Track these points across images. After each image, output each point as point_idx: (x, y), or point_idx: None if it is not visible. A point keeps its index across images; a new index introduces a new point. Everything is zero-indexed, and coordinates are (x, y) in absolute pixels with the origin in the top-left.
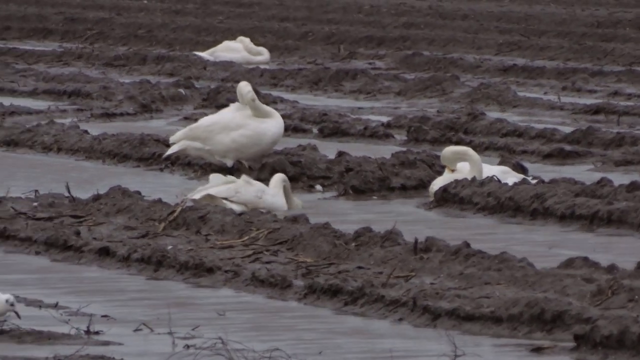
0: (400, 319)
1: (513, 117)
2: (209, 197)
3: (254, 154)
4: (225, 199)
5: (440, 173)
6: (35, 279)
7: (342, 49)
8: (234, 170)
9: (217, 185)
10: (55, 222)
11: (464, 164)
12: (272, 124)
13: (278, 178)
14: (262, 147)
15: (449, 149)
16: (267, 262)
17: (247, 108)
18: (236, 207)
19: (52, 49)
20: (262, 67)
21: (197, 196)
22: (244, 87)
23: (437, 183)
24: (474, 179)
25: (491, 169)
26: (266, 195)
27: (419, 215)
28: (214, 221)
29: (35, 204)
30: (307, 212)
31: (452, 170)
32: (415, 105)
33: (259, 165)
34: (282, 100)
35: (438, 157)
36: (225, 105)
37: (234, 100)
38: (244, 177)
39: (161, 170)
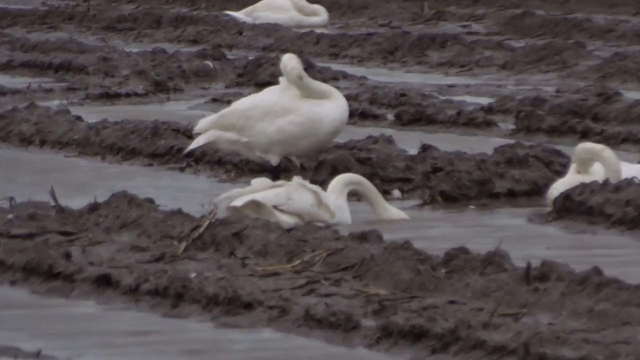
0: None
1: None
2: (254, 204)
3: (307, 147)
4: (275, 207)
5: (560, 174)
6: (10, 318)
7: (426, 7)
8: (280, 170)
9: (262, 191)
10: (37, 240)
11: (597, 165)
12: (332, 107)
13: (341, 180)
14: (319, 139)
15: (582, 147)
16: (326, 295)
17: (294, 87)
18: (288, 219)
19: (33, 7)
20: (317, 31)
21: (238, 203)
22: (288, 62)
23: (558, 187)
24: (606, 181)
25: (630, 169)
26: (326, 203)
27: (533, 231)
28: (254, 239)
29: (10, 216)
30: (381, 227)
31: (579, 172)
32: (525, 82)
33: (315, 164)
34: (345, 76)
35: (557, 152)
36: (269, 83)
37: (279, 75)
38: (296, 179)
39: (182, 170)
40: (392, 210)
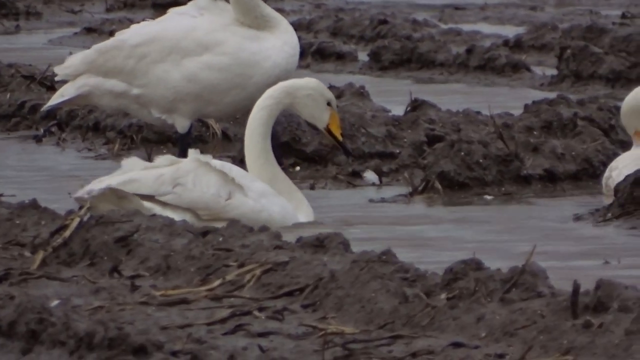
0: None
1: None
2: (112, 193)
3: (233, 105)
4: (150, 198)
5: (625, 146)
6: None
7: None
8: (190, 141)
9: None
10: None
11: None
12: (274, 44)
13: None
14: (251, 92)
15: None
16: (262, 335)
17: (220, 8)
18: (174, 217)
19: None
20: None
21: (88, 192)
22: None
23: (621, 167)
24: None
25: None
26: (249, 193)
27: (583, 234)
28: (149, 248)
29: None
30: (350, 229)
31: None
32: (573, 0)
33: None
34: None
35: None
36: (174, 3)
37: None
38: (193, 153)
39: (38, 139)
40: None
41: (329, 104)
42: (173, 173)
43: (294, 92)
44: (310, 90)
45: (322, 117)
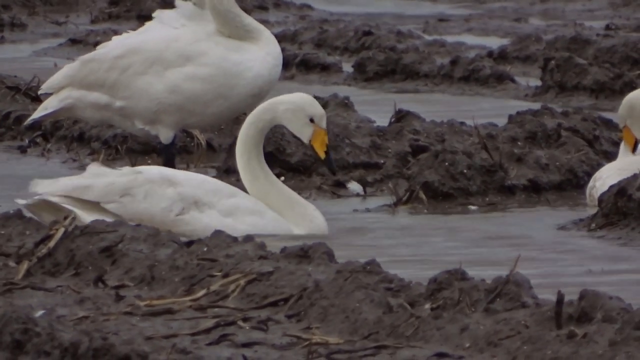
0: None
1: None
2: (45, 204)
3: (216, 116)
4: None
5: (610, 156)
6: None
7: None
8: (174, 151)
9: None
10: None
11: None
12: (258, 55)
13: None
14: (235, 103)
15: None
16: (246, 345)
17: (204, 18)
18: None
19: None
20: None
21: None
22: None
23: (605, 178)
24: None
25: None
26: (209, 211)
27: (567, 245)
28: (134, 258)
29: None
30: (334, 240)
31: (635, 146)
32: (558, 13)
33: (230, 141)
34: (277, 3)
35: (606, 122)
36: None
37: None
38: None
39: (23, 150)
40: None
41: (312, 120)
42: (127, 183)
43: (274, 107)
44: (289, 105)
45: (303, 132)
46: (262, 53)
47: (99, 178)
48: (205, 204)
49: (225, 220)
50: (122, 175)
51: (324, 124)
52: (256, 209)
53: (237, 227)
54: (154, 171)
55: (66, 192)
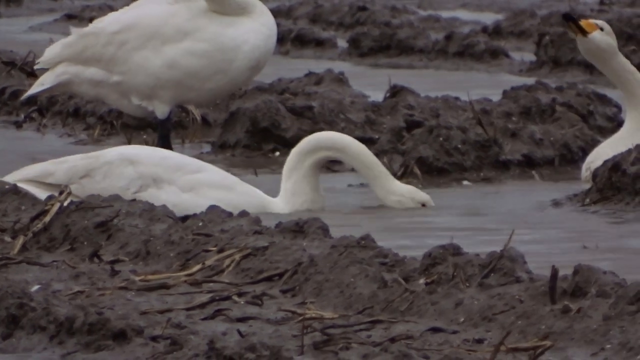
0: None
1: None
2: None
3: (213, 90)
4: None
5: (605, 132)
6: None
7: None
8: (170, 126)
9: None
10: None
11: None
12: (252, 28)
13: (304, 148)
14: (231, 77)
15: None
16: (241, 320)
17: None
18: None
19: None
20: None
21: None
22: None
23: (601, 153)
24: None
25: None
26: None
27: (562, 220)
28: (129, 233)
29: None
30: (329, 214)
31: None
32: None
33: (226, 116)
34: None
35: (601, 97)
36: None
37: None
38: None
39: (19, 125)
40: (404, 189)
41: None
42: (87, 164)
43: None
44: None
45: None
46: (256, 24)
47: (62, 164)
48: (164, 180)
49: (184, 195)
50: (84, 159)
51: (432, 204)
52: (225, 183)
53: (198, 202)
54: (115, 152)
55: (30, 177)
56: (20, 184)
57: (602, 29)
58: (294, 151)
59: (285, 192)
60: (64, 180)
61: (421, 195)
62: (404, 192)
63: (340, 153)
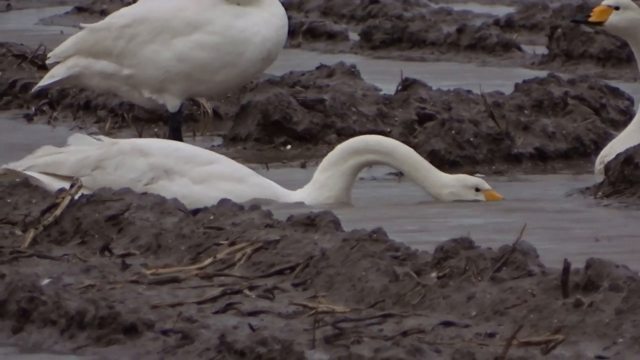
0: None
1: None
2: (10, 173)
3: (223, 83)
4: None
5: (618, 126)
6: None
7: None
8: (181, 119)
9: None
10: None
11: None
12: (263, 19)
13: (344, 150)
14: (242, 70)
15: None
16: (252, 314)
17: None
18: None
19: None
20: None
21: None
22: None
23: (615, 147)
24: None
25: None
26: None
27: (574, 213)
28: (140, 226)
29: None
30: (341, 209)
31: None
32: None
33: (237, 110)
34: None
35: (614, 91)
36: None
37: None
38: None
39: (29, 118)
40: (452, 179)
41: (477, 189)
42: (99, 155)
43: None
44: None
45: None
46: (266, 15)
47: (74, 154)
48: (176, 172)
49: (195, 187)
50: (96, 149)
51: (487, 186)
52: (237, 175)
53: (210, 194)
54: (127, 143)
55: (41, 168)
56: (29, 173)
57: (617, 8)
58: (340, 147)
59: (315, 183)
60: (75, 172)
61: (471, 179)
62: (453, 182)
63: (387, 157)
